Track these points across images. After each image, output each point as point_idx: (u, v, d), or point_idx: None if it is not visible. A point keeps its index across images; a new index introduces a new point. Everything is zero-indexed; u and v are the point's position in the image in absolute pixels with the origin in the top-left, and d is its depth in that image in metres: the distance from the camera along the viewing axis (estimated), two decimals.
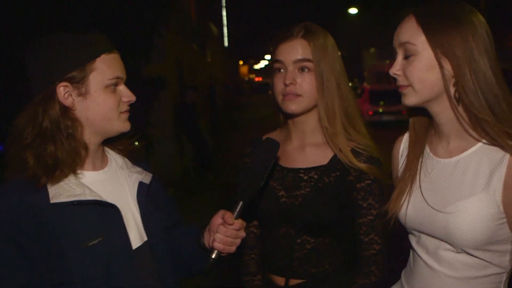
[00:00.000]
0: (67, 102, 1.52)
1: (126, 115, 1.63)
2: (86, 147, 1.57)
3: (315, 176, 1.91)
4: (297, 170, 1.95)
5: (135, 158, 1.77)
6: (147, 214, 1.67)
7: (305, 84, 1.88)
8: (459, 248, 1.54)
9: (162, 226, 1.72)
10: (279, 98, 1.92)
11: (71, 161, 1.51)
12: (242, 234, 1.59)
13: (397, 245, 1.86)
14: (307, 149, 1.97)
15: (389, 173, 1.90)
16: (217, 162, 11.14)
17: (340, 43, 1.95)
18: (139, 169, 1.74)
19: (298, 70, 1.89)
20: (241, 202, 1.55)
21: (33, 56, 1.53)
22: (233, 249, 1.58)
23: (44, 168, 1.47)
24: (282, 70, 1.91)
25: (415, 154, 1.72)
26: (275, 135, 2.08)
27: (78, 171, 1.54)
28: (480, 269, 1.55)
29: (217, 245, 1.55)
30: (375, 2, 35.16)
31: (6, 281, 1.39)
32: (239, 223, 1.56)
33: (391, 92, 20.16)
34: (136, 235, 1.62)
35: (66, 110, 1.52)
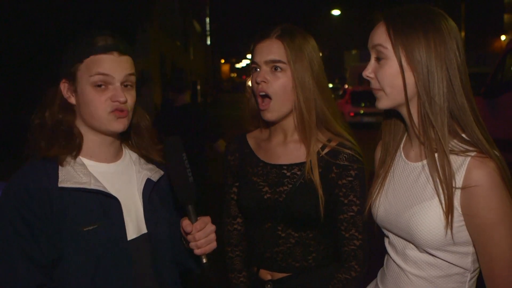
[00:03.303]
0: (69, 98, 1.65)
1: (117, 115, 1.63)
2: (81, 138, 1.67)
3: (298, 173, 1.93)
4: (280, 166, 1.97)
5: (152, 154, 1.83)
6: (150, 208, 1.75)
7: (276, 83, 1.89)
8: (421, 248, 1.58)
9: (166, 222, 1.78)
10: (258, 99, 1.95)
11: (62, 146, 1.63)
12: (211, 228, 1.63)
13: (377, 245, 1.90)
14: (291, 145, 1.98)
15: (370, 171, 1.91)
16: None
17: (322, 44, 1.99)
18: (151, 166, 1.82)
19: (270, 69, 1.90)
20: (189, 206, 1.60)
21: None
22: (213, 245, 1.63)
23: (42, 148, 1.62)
24: (258, 70, 1.93)
25: (389, 155, 1.75)
26: (257, 133, 2.12)
27: (90, 161, 1.67)
28: (443, 269, 1.58)
29: (197, 251, 1.61)
30: (357, 3, 35.38)
31: (16, 250, 1.52)
32: (200, 223, 1.60)
33: (372, 94, 20.24)
34: (135, 227, 1.70)
35: (67, 105, 1.65)
